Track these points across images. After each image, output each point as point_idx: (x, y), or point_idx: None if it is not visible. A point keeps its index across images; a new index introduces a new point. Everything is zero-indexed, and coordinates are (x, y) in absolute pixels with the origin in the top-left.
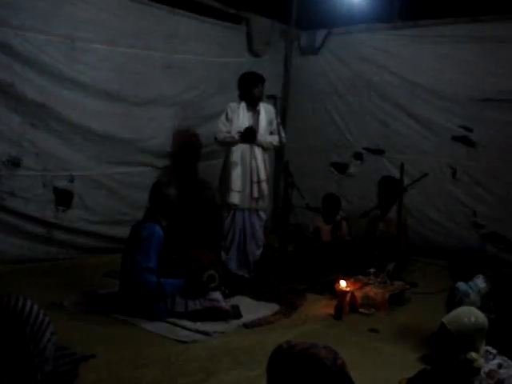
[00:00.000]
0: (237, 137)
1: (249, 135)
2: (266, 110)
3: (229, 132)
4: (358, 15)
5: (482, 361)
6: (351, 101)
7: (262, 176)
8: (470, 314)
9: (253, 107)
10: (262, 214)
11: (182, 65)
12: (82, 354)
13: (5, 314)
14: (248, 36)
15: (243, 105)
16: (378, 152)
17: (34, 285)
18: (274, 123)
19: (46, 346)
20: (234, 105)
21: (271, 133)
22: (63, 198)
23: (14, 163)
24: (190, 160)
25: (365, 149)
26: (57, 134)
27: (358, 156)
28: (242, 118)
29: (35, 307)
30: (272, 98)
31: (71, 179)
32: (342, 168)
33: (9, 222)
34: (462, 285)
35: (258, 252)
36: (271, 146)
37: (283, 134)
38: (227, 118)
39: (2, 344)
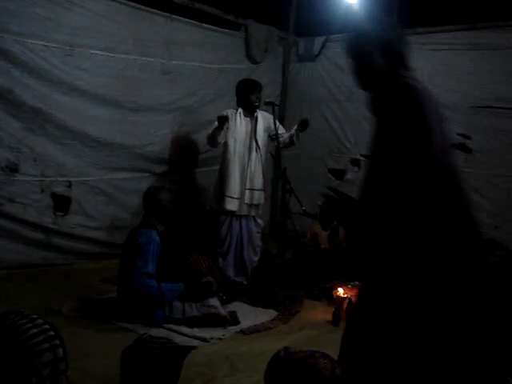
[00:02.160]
0: (216, 123)
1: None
2: (263, 117)
3: (222, 140)
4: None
5: None
6: (349, 107)
7: (257, 184)
8: None
9: (250, 114)
10: (260, 221)
11: (180, 71)
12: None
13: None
14: (246, 42)
15: (240, 111)
16: None
17: (31, 290)
18: (272, 129)
19: (40, 371)
20: (230, 111)
21: (271, 138)
22: (61, 204)
23: (12, 169)
24: (187, 166)
25: (362, 155)
26: (55, 140)
27: (355, 162)
28: (239, 124)
29: (34, 330)
30: (270, 105)
31: (69, 185)
32: (339, 174)
33: (7, 228)
34: None
35: (256, 258)
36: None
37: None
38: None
39: None
